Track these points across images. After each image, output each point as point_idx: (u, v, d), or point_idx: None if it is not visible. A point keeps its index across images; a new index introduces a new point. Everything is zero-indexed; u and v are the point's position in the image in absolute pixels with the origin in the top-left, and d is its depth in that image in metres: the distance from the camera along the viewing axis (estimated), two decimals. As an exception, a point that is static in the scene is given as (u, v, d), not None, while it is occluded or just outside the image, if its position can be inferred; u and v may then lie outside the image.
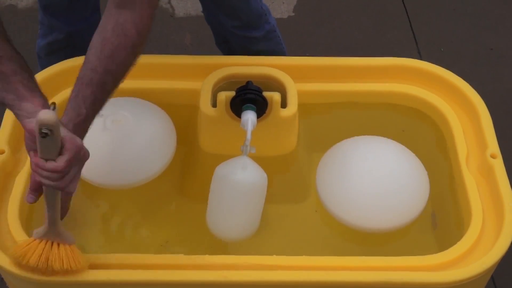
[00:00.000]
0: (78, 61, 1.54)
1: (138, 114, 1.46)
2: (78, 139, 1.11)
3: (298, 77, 1.51)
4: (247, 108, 1.42)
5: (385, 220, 1.40)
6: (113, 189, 1.47)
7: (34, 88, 1.13)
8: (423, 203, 1.43)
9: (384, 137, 1.52)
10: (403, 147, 1.49)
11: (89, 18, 1.72)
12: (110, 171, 1.41)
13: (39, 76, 1.50)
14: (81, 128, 1.16)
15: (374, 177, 1.41)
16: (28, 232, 1.29)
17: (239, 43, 1.81)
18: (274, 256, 1.25)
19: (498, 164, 1.36)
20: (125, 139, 1.42)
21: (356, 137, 1.52)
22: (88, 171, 1.41)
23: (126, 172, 1.42)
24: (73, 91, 1.16)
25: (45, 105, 1.12)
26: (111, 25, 1.18)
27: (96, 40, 1.19)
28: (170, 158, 1.48)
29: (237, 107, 1.44)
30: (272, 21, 1.82)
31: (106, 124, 1.41)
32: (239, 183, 1.35)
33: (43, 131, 1.02)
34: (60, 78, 1.53)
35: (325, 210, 1.46)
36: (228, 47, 1.85)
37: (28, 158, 1.39)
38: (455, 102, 1.52)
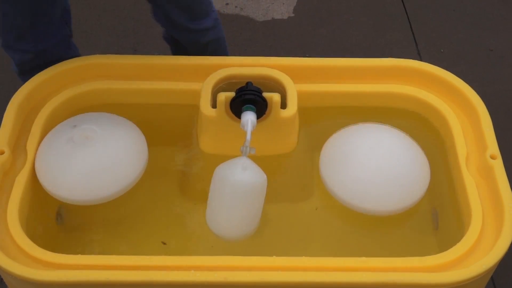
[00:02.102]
0: (78, 62, 1.54)
1: (108, 129, 1.44)
2: None
3: (298, 78, 1.51)
4: (247, 109, 1.42)
5: (385, 200, 1.41)
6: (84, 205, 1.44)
7: None
8: (426, 181, 1.44)
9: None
10: (404, 133, 1.49)
11: (57, 33, 1.66)
12: (78, 187, 1.40)
13: (38, 78, 1.50)
14: None
15: (375, 159, 1.41)
16: (28, 233, 1.29)
17: (189, 38, 1.77)
18: (274, 257, 1.25)
19: (498, 165, 1.36)
20: (93, 154, 1.40)
21: (359, 124, 1.52)
22: (54, 187, 1.39)
23: (95, 187, 1.40)
24: None
25: None
26: None
27: None
28: (140, 173, 1.45)
29: (237, 107, 1.44)
30: (214, 6, 1.77)
31: (75, 139, 1.40)
32: (238, 184, 1.35)
33: None
34: (59, 79, 1.53)
35: (325, 210, 1.46)
36: (174, 42, 1.83)
37: (28, 158, 1.40)
38: (455, 103, 1.52)
